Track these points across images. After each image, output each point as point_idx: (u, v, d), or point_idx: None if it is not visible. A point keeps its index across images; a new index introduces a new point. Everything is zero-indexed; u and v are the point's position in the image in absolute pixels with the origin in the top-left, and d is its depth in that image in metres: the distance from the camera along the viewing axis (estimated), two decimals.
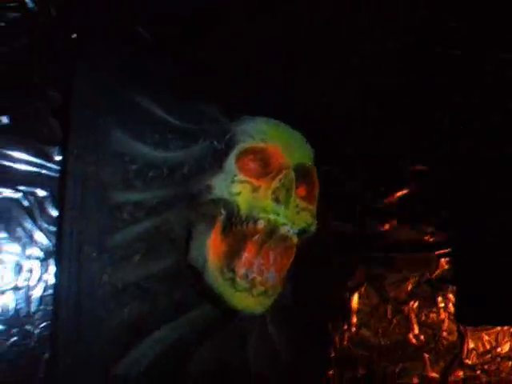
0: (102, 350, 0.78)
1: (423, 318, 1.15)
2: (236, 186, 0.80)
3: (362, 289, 1.11)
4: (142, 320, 0.81)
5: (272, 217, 0.80)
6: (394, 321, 1.13)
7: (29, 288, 0.82)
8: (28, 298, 0.82)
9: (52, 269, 0.83)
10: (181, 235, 0.83)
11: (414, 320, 1.14)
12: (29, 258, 0.82)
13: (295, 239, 0.82)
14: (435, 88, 1.09)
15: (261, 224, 0.79)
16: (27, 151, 0.82)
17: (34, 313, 0.82)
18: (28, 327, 0.81)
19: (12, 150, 0.81)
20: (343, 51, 0.98)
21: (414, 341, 1.14)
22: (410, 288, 1.15)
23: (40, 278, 0.83)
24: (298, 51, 0.95)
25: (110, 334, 0.79)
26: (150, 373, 0.81)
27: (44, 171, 0.83)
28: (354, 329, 1.09)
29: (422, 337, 1.15)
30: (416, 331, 1.14)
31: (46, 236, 0.83)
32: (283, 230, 0.80)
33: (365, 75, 1.01)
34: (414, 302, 1.15)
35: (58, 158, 0.84)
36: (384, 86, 1.04)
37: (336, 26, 0.96)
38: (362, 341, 1.10)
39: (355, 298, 1.11)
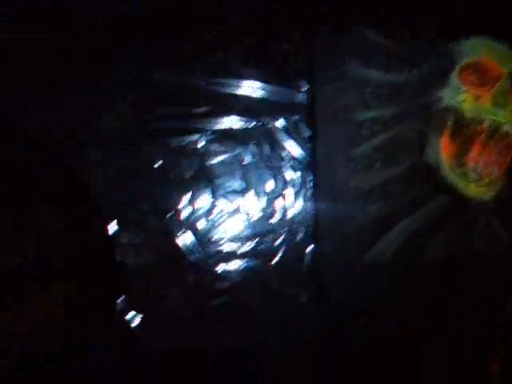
0: (354, 242, 0.98)
1: None
2: (461, 95, 0.95)
3: None
4: (385, 216, 0.99)
5: (494, 117, 0.94)
6: None
7: (292, 194, 1.01)
8: (293, 203, 1.00)
9: (310, 177, 1.01)
10: (414, 142, 0.99)
11: None
12: (291, 169, 1.01)
13: None
14: None
15: (485, 124, 0.94)
16: (282, 85, 1.01)
17: (298, 214, 1.00)
18: (294, 226, 1.00)
19: (270, 84, 1.00)
20: None
21: None
22: None
23: (301, 185, 1.01)
24: None
25: (360, 229, 0.98)
26: (394, 261, 0.99)
27: (296, 100, 1.01)
28: None
29: None
30: None
31: (304, 151, 1.01)
32: (505, 127, 0.95)
33: None
34: None
35: (306, 88, 1.01)
36: None
37: None
38: None
39: None
